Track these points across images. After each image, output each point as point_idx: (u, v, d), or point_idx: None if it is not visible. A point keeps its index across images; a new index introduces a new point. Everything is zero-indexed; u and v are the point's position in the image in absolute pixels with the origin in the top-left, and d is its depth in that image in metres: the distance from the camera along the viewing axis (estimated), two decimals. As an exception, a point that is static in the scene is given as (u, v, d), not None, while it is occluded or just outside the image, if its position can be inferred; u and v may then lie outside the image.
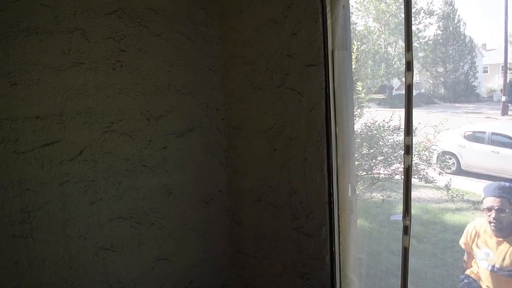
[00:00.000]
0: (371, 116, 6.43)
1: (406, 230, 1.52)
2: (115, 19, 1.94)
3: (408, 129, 1.49)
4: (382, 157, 6.39)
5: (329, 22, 1.72)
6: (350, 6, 1.82)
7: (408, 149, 1.50)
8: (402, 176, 1.66)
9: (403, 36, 1.48)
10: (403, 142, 1.61)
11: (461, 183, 6.65)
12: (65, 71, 1.82)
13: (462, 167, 7.17)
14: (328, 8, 1.71)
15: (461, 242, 3.23)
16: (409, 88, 1.44)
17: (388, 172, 6.37)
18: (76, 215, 1.88)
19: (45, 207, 1.81)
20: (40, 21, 1.77)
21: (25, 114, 1.76)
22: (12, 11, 1.71)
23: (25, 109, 1.76)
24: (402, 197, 1.60)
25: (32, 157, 1.77)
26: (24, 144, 1.76)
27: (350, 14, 1.84)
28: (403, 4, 1.45)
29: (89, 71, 1.88)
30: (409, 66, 1.41)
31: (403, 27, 1.46)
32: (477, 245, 3.06)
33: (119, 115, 1.97)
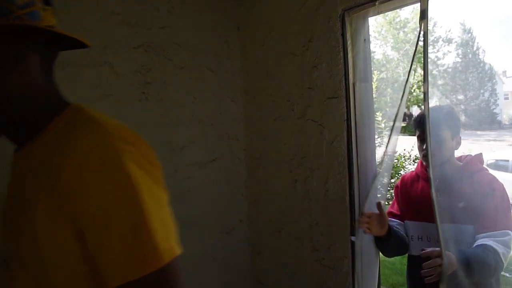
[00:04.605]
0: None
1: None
2: (142, 53, 2.01)
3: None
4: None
5: (350, 55, 1.74)
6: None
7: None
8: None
9: (422, 65, 1.50)
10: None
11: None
12: (94, 103, 1.88)
13: (486, 197, 6.97)
14: (349, 42, 1.74)
15: None
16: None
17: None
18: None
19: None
20: (72, 54, 1.84)
21: (54, 144, 1.81)
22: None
23: (54, 140, 1.81)
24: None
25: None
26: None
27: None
28: (420, 35, 1.47)
29: (116, 103, 1.94)
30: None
31: (422, 55, 1.48)
32: None
33: (143, 145, 2.01)
